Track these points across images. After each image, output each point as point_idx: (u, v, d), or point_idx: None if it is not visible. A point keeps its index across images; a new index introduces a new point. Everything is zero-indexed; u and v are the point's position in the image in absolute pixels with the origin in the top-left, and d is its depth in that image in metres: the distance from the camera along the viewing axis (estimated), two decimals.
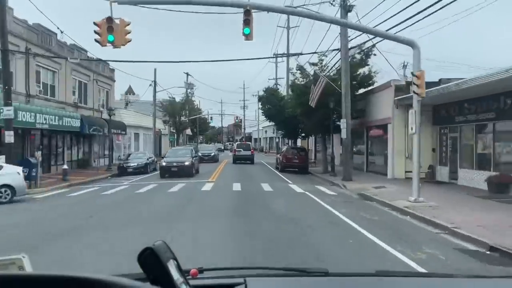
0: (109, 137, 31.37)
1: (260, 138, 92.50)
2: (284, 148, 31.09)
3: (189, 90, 60.69)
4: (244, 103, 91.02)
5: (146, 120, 47.10)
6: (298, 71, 27.32)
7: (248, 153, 38.24)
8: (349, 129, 22.33)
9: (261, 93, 42.41)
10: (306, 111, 26.99)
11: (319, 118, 26.15)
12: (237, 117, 65.08)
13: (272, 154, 69.07)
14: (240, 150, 38.46)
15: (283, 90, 44.46)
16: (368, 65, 25.36)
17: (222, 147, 78.94)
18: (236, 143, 53.43)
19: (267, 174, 28.33)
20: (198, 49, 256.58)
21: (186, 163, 25.04)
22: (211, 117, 75.81)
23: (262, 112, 42.03)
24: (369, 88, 26.30)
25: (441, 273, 3.78)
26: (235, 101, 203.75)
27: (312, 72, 26.44)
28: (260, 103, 41.91)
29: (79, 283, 1.07)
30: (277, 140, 69.02)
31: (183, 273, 1.29)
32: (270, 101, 38.73)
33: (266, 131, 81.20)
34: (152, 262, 1.19)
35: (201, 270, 1.83)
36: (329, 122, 26.31)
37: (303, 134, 39.08)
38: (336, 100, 23.83)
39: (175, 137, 61.05)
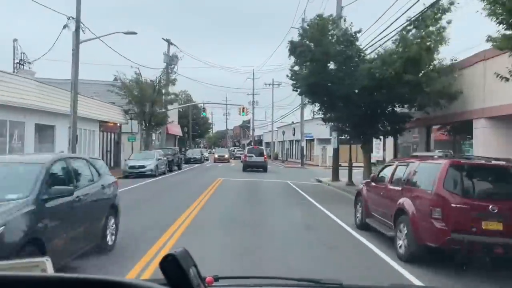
0: None
1: (274, 142, 70.27)
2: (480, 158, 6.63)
3: (170, 65, 38.57)
4: (253, 98, 69.13)
5: (79, 104, 24.17)
6: None
7: (261, 159, 35.18)
8: None
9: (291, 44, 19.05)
10: None
11: None
12: (243, 108, 43.27)
13: (294, 164, 46.99)
14: (252, 156, 35.40)
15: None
16: None
17: (226, 155, 54.14)
18: (247, 147, 42.27)
19: None
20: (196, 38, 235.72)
21: None
22: (203, 108, 53.73)
23: (294, 85, 19.37)
24: None
25: None
26: (242, 95, 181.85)
27: None
28: (293, 60, 18.71)
29: (101, 286, 1.06)
30: (302, 144, 46.66)
31: (203, 280, 1.28)
32: (318, 50, 16.25)
33: (284, 132, 58.76)
34: (173, 268, 1.19)
35: (216, 278, 1.81)
36: None
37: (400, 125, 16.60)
38: None
39: (147, 136, 38.75)
